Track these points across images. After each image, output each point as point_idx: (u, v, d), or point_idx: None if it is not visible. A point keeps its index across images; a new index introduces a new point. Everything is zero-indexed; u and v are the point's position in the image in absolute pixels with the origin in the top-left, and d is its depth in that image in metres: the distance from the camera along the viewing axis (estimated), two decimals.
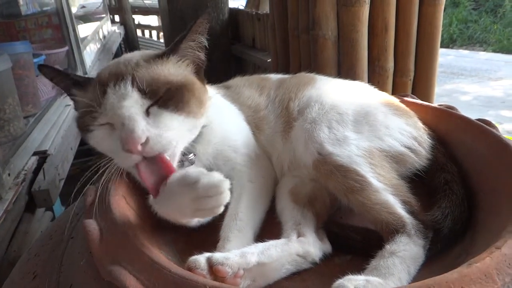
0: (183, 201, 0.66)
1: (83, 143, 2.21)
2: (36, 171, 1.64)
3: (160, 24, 6.38)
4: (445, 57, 7.45)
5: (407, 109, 0.97)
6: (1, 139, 1.63)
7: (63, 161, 1.81)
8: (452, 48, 8.64)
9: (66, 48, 2.69)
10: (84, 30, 3.48)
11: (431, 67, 1.73)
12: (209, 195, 0.63)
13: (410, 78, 1.75)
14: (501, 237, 0.57)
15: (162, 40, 6.23)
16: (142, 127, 0.69)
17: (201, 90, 0.81)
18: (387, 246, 0.68)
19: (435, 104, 1.07)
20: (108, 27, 4.99)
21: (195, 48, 0.82)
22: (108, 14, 5.37)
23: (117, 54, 5.03)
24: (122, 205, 0.70)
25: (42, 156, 1.74)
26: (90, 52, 3.32)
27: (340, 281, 0.58)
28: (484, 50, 8.17)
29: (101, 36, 4.16)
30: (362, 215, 0.76)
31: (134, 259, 0.57)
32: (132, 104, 0.71)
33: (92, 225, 0.64)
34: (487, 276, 0.51)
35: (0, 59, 1.64)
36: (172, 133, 0.72)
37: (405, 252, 0.66)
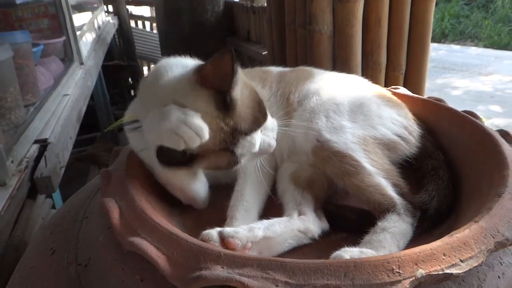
0: (168, 117, 0.72)
1: (79, 133, 2.24)
2: (37, 159, 1.67)
3: (153, 15, 6.35)
4: (436, 52, 7.55)
5: (399, 101, 1.04)
6: (3, 127, 1.66)
7: (63, 149, 1.84)
8: (443, 43, 8.73)
9: (63, 38, 2.69)
10: (79, 19, 3.48)
11: (422, 62, 1.80)
12: (192, 128, 0.71)
13: (402, 72, 1.82)
14: (480, 213, 0.64)
15: (155, 31, 6.21)
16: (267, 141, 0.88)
17: None
18: (379, 223, 0.75)
19: (424, 96, 1.14)
20: (103, 17, 4.97)
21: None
22: (102, 4, 5.34)
23: (112, 45, 5.02)
24: (137, 186, 0.76)
25: (43, 144, 1.77)
26: (86, 42, 3.32)
27: (337, 252, 0.65)
28: (475, 45, 8.27)
29: (96, 26, 4.15)
30: (356, 197, 0.82)
31: (153, 231, 0.63)
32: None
33: (111, 202, 0.70)
34: (466, 244, 0.58)
35: (1, 48, 1.65)
36: None
37: (395, 229, 0.73)
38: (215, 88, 0.76)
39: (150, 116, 0.77)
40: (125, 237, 0.63)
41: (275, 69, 1.13)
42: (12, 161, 1.50)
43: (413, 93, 1.19)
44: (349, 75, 1.13)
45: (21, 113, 1.81)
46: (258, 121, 0.80)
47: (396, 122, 0.95)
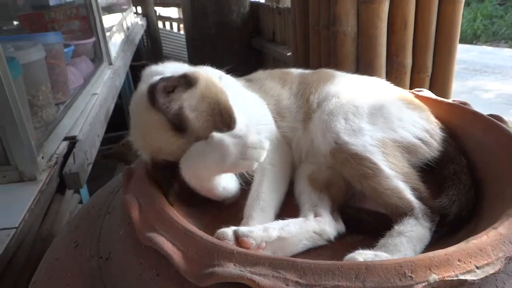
0: (228, 151, 0.75)
1: (106, 131, 2.30)
2: (66, 155, 1.73)
3: (180, 16, 6.46)
4: (468, 53, 7.33)
5: (421, 103, 1.02)
6: (35, 124, 1.72)
7: (91, 147, 1.90)
8: (475, 44, 8.47)
9: (93, 39, 2.78)
10: (108, 21, 3.58)
11: (449, 64, 1.76)
12: (255, 147, 0.73)
13: (428, 74, 1.78)
14: (500, 219, 0.63)
15: (182, 32, 6.31)
16: None
17: None
18: (396, 227, 0.74)
19: (450, 100, 1.11)
20: (132, 19, 5.09)
21: None
22: (131, 6, 5.48)
23: (140, 45, 5.14)
24: (157, 184, 0.78)
25: (72, 141, 1.83)
26: (115, 43, 3.41)
27: (351, 254, 0.65)
28: (509, 47, 7.98)
29: (125, 28, 4.26)
30: (374, 200, 0.82)
31: (170, 228, 0.65)
32: None
33: (132, 198, 0.72)
34: (483, 251, 0.57)
35: (35, 48, 1.73)
36: None
37: (412, 233, 0.72)
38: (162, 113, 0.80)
39: (193, 155, 0.79)
40: (143, 232, 0.65)
41: (295, 71, 1.13)
42: (42, 157, 1.56)
43: (439, 96, 1.17)
44: (370, 77, 1.12)
45: (52, 111, 1.89)
46: (220, 131, 0.81)
47: (417, 125, 0.93)
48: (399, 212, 0.77)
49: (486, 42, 8.53)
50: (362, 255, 0.64)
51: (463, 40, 8.59)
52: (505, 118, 0.97)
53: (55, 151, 1.70)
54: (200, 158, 0.78)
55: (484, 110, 1.02)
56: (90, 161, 1.86)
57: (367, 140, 0.85)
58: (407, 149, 0.89)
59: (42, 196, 1.46)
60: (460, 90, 5.39)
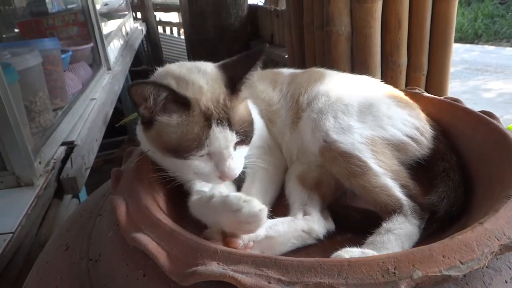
0: (224, 220, 0.72)
1: (106, 136, 2.31)
2: (64, 160, 1.74)
3: (181, 20, 6.49)
4: (469, 53, 7.31)
5: (411, 101, 1.02)
6: (32, 129, 1.73)
7: (89, 151, 1.91)
8: (477, 44, 8.44)
9: (91, 44, 2.80)
10: (107, 27, 3.60)
11: (444, 63, 1.76)
12: (249, 222, 0.69)
13: (423, 73, 1.78)
14: (486, 215, 0.62)
15: (182, 37, 6.34)
16: (238, 166, 0.81)
17: None
18: (384, 224, 0.74)
19: (440, 97, 1.11)
20: (131, 24, 5.12)
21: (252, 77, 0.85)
22: (131, 11, 5.51)
23: (139, 50, 5.16)
24: (145, 184, 0.78)
25: (70, 146, 1.84)
26: (114, 49, 3.43)
27: (338, 252, 0.65)
28: (511, 46, 7.94)
29: (124, 33, 4.28)
30: (363, 198, 0.82)
31: (156, 228, 0.65)
32: (232, 146, 0.80)
33: (119, 199, 0.73)
34: (467, 246, 0.56)
35: (32, 55, 1.74)
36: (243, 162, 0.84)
37: (400, 230, 0.72)
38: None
39: (205, 207, 0.77)
40: (129, 233, 0.66)
41: (286, 71, 1.13)
42: (39, 162, 1.57)
43: (435, 94, 1.17)
44: (360, 76, 1.12)
45: (50, 116, 1.89)
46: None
47: (407, 123, 0.93)
48: (388, 210, 0.77)
49: (487, 41, 8.50)
50: (349, 253, 0.64)
51: (464, 40, 8.58)
52: (507, 117, 0.97)
53: (53, 156, 1.71)
54: (211, 212, 0.76)
55: (485, 109, 1.00)
56: (88, 166, 1.86)
57: (356, 138, 0.85)
58: (397, 147, 0.89)
59: (39, 201, 1.47)
60: (462, 89, 5.36)
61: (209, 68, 0.87)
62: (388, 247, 0.68)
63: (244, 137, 0.82)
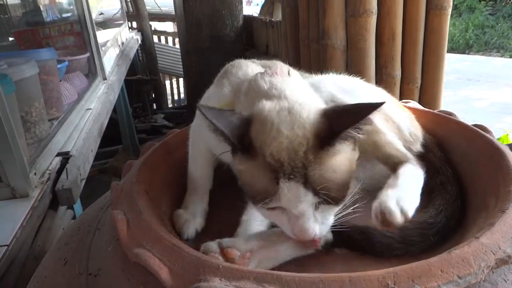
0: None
1: (100, 145, 2.31)
2: (59, 171, 1.73)
3: (176, 30, 6.52)
4: (460, 63, 7.42)
5: (406, 109, 1.06)
6: (27, 140, 1.73)
7: (84, 162, 1.90)
8: (468, 54, 8.58)
9: (87, 54, 2.80)
10: (103, 36, 3.61)
11: (437, 75, 1.79)
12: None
13: (417, 85, 1.81)
14: (482, 229, 0.64)
15: (177, 46, 6.36)
16: (314, 227, 0.69)
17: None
18: (397, 171, 0.84)
19: (435, 110, 1.13)
20: (126, 34, 5.13)
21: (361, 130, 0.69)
22: (126, 21, 5.53)
23: (134, 60, 5.17)
24: (145, 199, 0.79)
25: (65, 157, 1.83)
26: (109, 58, 3.44)
27: (381, 198, 0.74)
28: (501, 56, 8.09)
29: (119, 43, 4.29)
30: (374, 155, 0.90)
31: (157, 243, 0.65)
32: (307, 204, 0.67)
33: (119, 214, 0.73)
34: (464, 261, 0.57)
35: (28, 65, 1.74)
36: (331, 221, 0.73)
37: (411, 170, 0.84)
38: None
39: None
40: (130, 248, 0.66)
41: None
42: (35, 173, 1.56)
43: (429, 106, 1.20)
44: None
45: (45, 127, 1.89)
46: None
47: (407, 123, 0.98)
48: (396, 162, 0.87)
49: (478, 51, 8.65)
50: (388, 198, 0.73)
51: (456, 50, 8.71)
52: (498, 126, 1.00)
53: (48, 167, 1.70)
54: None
55: (477, 118, 1.04)
56: (84, 177, 1.85)
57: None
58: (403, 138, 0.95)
59: (35, 213, 1.45)
60: (453, 99, 5.43)
61: (305, 110, 0.71)
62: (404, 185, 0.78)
63: (327, 198, 0.67)
